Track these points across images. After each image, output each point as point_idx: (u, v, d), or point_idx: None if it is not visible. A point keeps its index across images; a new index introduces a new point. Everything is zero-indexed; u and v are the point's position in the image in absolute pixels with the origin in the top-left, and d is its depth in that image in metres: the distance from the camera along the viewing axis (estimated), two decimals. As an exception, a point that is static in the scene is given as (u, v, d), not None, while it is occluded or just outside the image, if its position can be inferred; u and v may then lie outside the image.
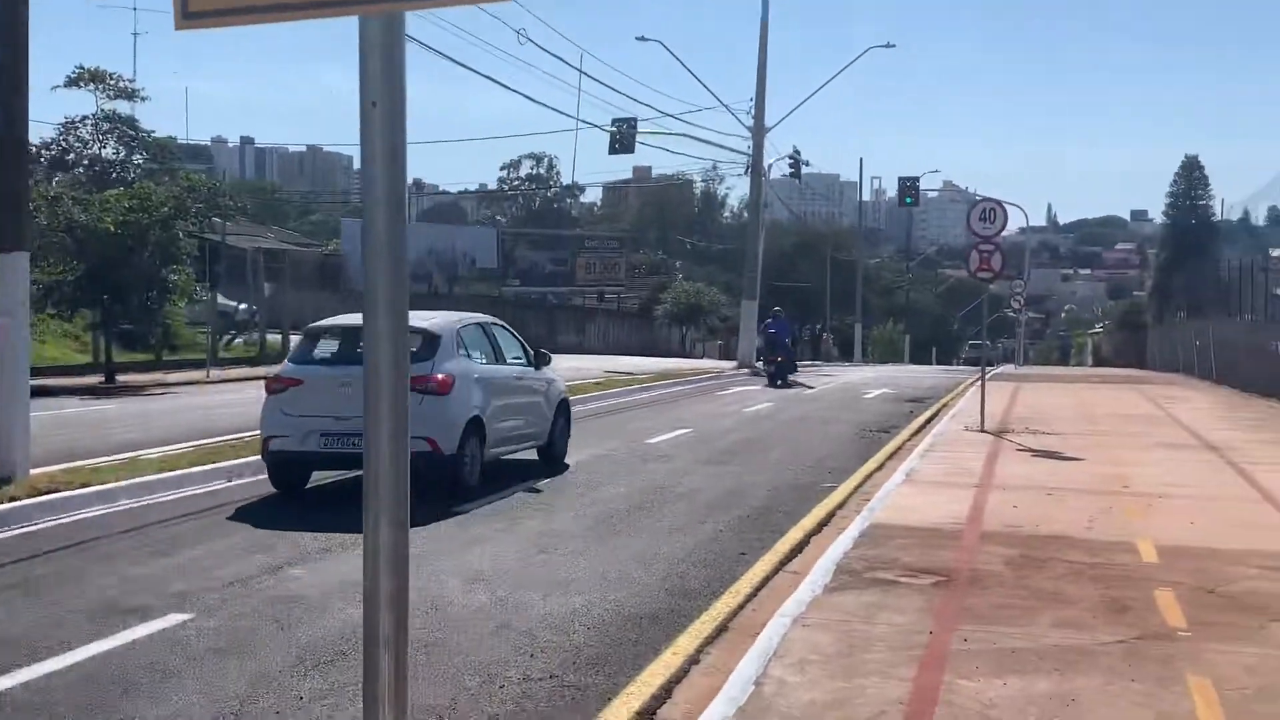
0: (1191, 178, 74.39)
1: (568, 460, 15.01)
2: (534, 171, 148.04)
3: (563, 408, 15.21)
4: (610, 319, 68.68)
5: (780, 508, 12.17)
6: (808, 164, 46.44)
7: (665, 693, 6.45)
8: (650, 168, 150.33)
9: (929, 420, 21.99)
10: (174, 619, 7.66)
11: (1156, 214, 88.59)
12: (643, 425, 19.78)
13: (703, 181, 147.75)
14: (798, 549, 10.13)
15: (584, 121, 39.00)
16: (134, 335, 30.65)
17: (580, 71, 38.92)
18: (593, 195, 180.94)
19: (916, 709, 5.92)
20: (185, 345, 36.19)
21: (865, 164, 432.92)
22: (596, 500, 12.34)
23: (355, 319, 12.56)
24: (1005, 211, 19.26)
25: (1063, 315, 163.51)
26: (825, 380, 35.08)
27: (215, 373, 30.37)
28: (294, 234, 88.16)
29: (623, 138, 39.86)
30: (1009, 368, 58.24)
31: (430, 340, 12.64)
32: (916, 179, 53.45)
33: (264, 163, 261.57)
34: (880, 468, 15.22)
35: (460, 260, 68.56)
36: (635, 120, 40.36)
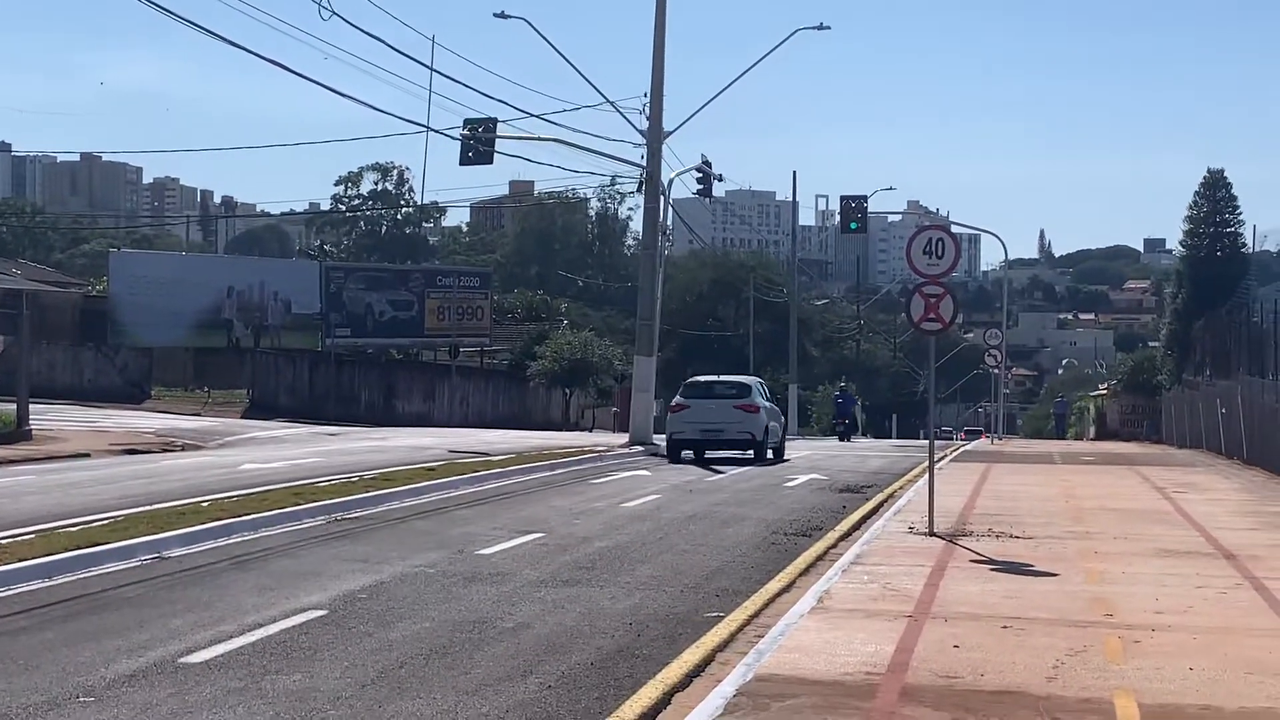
0: (1216, 198, 75.05)
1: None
2: (379, 187, 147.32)
3: (785, 428, 39.93)
4: (470, 380, 67.89)
5: (640, 650, 11.49)
6: (720, 178, 46.22)
7: None
8: (533, 183, 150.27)
9: (866, 517, 21.56)
10: None
11: (1176, 244, 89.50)
12: (478, 529, 19.04)
13: (598, 200, 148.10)
14: (651, 713, 9.49)
15: (428, 128, 38.07)
16: None
17: (431, 68, 37.86)
18: (457, 217, 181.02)
19: None
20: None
21: (809, 181, 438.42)
22: (386, 641, 11.56)
23: (709, 377, 38.74)
24: (957, 243, 18.94)
25: (1060, 372, 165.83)
26: (741, 462, 34.55)
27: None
28: (50, 270, 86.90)
29: (477, 144, 39.26)
30: (982, 442, 58.35)
31: (745, 387, 36.08)
32: (864, 198, 53.45)
33: (24, 175, 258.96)
34: (788, 588, 14.66)
35: (270, 304, 67.30)
36: (494, 121, 39.77)
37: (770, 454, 35.42)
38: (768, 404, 36.33)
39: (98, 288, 73.40)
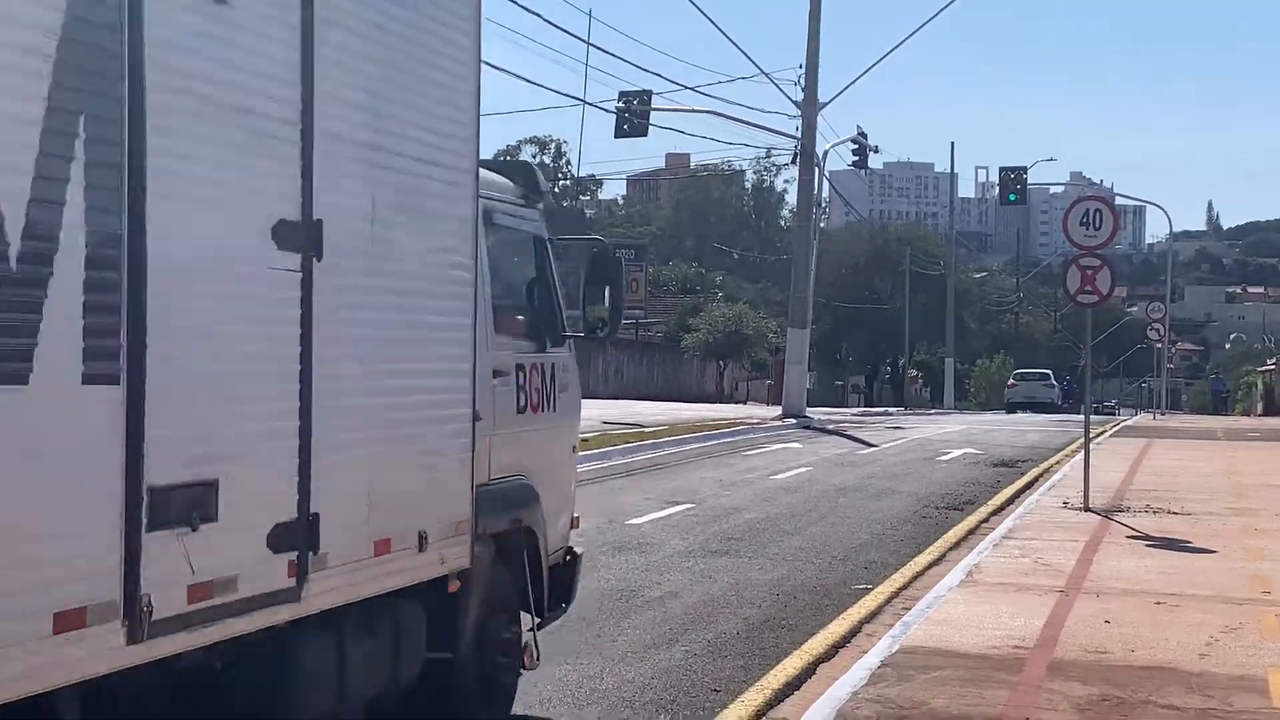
0: (1390, 167, 73.13)
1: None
2: (537, 160, 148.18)
3: (1060, 395, 72.83)
4: (624, 352, 68.09)
5: (786, 620, 11.53)
6: (876, 150, 45.80)
7: None
8: (689, 156, 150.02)
9: (1020, 492, 21.36)
10: None
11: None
12: (629, 499, 19.16)
13: (754, 173, 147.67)
14: (795, 683, 9.45)
15: (585, 101, 38.33)
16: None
17: (588, 43, 37.98)
18: (614, 190, 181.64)
19: None
20: None
21: (968, 152, 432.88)
22: (536, 609, 11.69)
23: (1028, 370, 73.46)
24: (1115, 214, 18.70)
25: (1227, 347, 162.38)
26: (894, 435, 34.38)
27: None
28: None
29: (632, 116, 39.42)
30: (1143, 417, 57.51)
31: (1046, 374, 71.58)
32: (1024, 170, 52.75)
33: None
34: (938, 561, 14.58)
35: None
36: (649, 94, 39.91)
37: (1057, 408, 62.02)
38: (1055, 383, 68.65)
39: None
